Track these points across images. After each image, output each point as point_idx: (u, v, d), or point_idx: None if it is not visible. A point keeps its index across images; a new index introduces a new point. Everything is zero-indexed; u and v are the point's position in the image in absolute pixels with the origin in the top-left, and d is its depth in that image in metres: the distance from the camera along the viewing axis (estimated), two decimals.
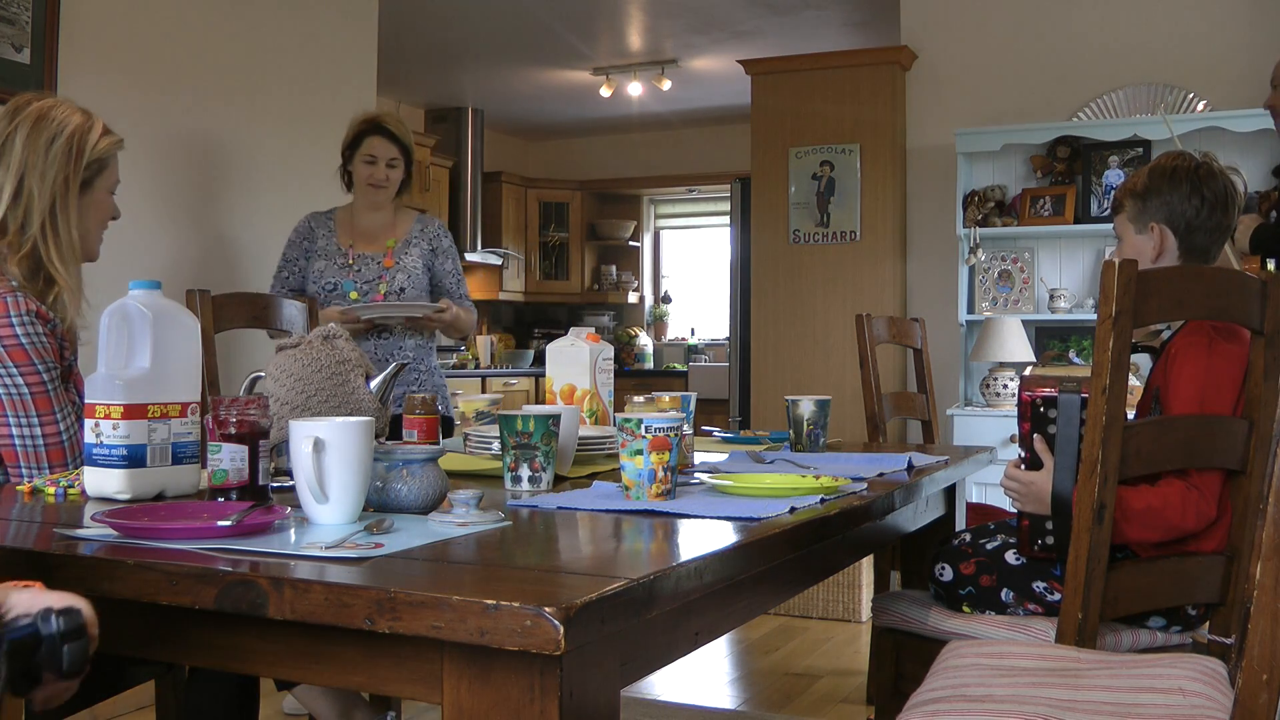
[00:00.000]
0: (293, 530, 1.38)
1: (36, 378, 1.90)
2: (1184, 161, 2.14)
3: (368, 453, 1.44)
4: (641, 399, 2.14)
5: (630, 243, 9.29)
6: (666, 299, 9.44)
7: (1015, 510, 2.09)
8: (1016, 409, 2.04)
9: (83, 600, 1.06)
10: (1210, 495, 1.92)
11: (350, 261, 3.49)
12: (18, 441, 1.90)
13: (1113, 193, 2.30)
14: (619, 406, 2.31)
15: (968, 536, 2.24)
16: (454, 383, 7.44)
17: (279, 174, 4.32)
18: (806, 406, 2.38)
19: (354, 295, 3.42)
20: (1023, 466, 2.02)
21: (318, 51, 4.51)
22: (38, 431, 1.91)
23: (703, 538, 1.42)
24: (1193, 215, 2.11)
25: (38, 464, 1.91)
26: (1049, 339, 5.11)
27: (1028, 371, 4.66)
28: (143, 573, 1.21)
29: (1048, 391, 1.97)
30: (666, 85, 7.23)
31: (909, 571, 2.67)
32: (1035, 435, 1.99)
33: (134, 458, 1.63)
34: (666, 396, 2.16)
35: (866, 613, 4.50)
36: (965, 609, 2.15)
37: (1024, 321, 4.89)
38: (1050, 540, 2.00)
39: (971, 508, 3.31)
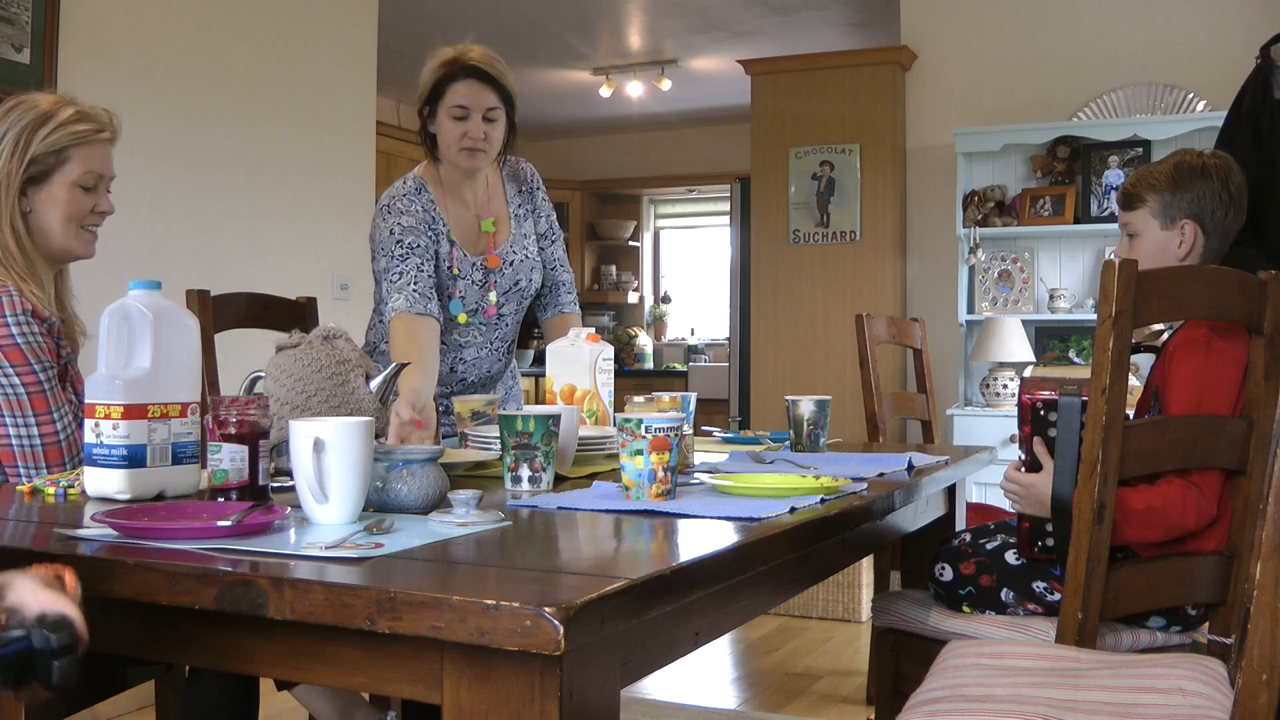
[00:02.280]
0: (293, 530, 1.38)
1: (33, 377, 1.90)
2: (1210, 158, 2.13)
3: (368, 453, 1.44)
4: (641, 399, 2.14)
5: (630, 243, 9.29)
6: (666, 299, 9.44)
7: (1015, 512, 2.09)
8: (1016, 411, 2.03)
9: (73, 608, 1.05)
10: (1210, 493, 1.92)
11: (454, 268, 2.59)
12: (14, 441, 1.90)
13: (1120, 187, 2.27)
14: (619, 406, 2.31)
15: (968, 536, 2.24)
16: None
17: (279, 174, 4.32)
18: (806, 406, 2.38)
19: (463, 319, 2.61)
20: (1023, 469, 2.01)
21: (318, 51, 4.51)
22: (35, 431, 1.90)
23: (703, 538, 1.42)
24: (1222, 215, 2.10)
25: (35, 464, 1.91)
26: (1049, 339, 5.11)
27: (1028, 372, 4.67)
28: (143, 573, 1.21)
29: (1048, 394, 1.96)
30: (666, 85, 7.23)
31: (909, 571, 2.67)
32: (1035, 438, 1.99)
33: (134, 458, 1.63)
34: (666, 396, 2.16)
35: (866, 613, 4.50)
36: (965, 609, 2.15)
37: (1024, 321, 4.90)
38: (1050, 542, 2.00)
39: (971, 508, 3.32)
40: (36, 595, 1.05)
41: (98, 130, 2.03)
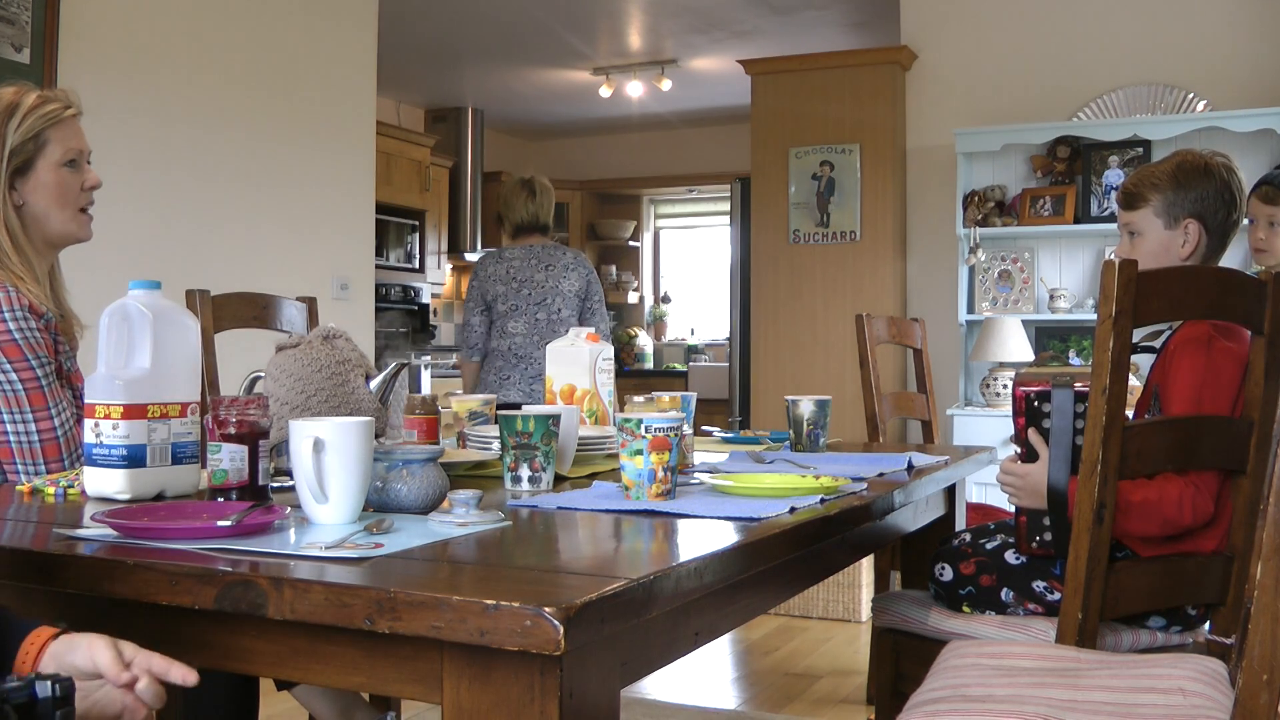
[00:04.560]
0: (293, 530, 1.38)
1: (30, 373, 1.90)
2: (1212, 158, 2.13)
3: (368, 453, 1.44)
4: (641, 399, 2.14)
5: (630, 243, 9.29)
6: (666, 299, 9.44)
7: (1011, 508, 2.09)
8: (1011, 405, 2.04)
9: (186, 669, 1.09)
10: (1207, 492, 1.92)
11: None
12: (12, 438, 1.90)
13: (1121, 186, 2.26)
14: (619, 406, 2.31)
15: (968, 536, 2.24)
16: (454, 383, 7.44)
17: (279, 174, 4.32)
18: (806, 406, 2.38)
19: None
20: (1019, 462, 2.02)
21: (318, 51, 4.51)
22: (33, 428, 1.90)
23: (703, 538, 1.42)
24: (1224, 215, 2.10)
25: (33, 460, 1.90)
26: (1049, 339, 5.11)
27: (1022, 371, 4.67)
28: (143, 573, 1.21)
29: (1041, 386, 1.97)
30: (666, 85, 7.23)
31: (909, 571, 2.67)
32: (1030, 429, 1.99)
33: (134, 458, 1.63)
34: (666, 396, 2.16)
35: (866, 613, 4.50)
36: (965, 609, 2.15)
37: (1024, 321, 4.90)
38: (1048, 536, 2.00)
39: (971, 508, 3.31)
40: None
41: (65, 108, 2.04)
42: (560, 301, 4.08)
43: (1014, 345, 4.73)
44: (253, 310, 2.93)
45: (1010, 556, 2.12)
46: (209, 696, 2.10)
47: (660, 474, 1.63)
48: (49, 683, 1.00)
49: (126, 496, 1.62)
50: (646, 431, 1.62)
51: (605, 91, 7.41)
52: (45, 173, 2.01)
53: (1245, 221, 2.87)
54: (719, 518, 1.53)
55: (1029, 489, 1.99)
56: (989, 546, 2.16)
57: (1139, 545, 1.98)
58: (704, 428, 2.95)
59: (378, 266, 5.60)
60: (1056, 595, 2.05)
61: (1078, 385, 1.93)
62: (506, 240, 4.28)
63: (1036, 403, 1.98)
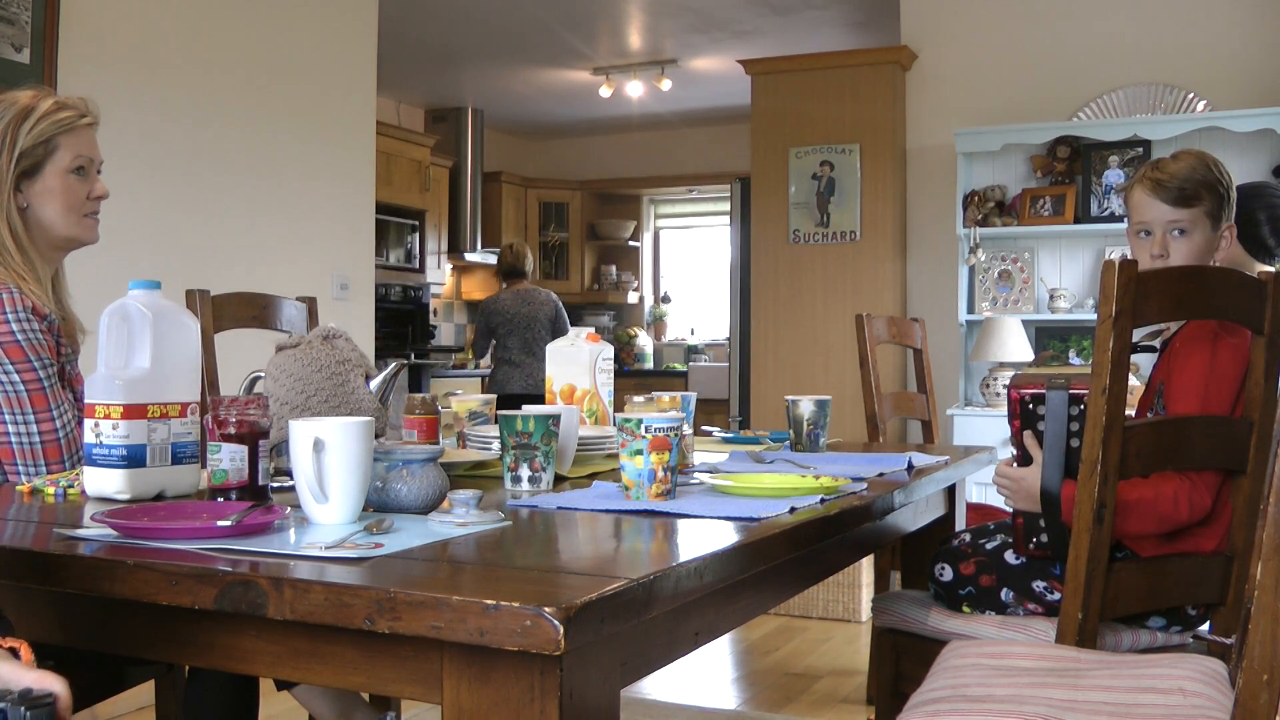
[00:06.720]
0: (292, 530, 1.38)
1: (33, 374, 1.90)
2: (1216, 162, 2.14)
3: (368, 453, 1.44)
4: (641, 399, 2.14)
5: (630, 243, 9.29)
6: (666, 299, 9.44)
7: (1009, 509, 2.09)
8: (1006, 407, 2.04)
9: (59, 682, 1.03)
10: (1204, 488, 1.92)
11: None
12: (14, 439, 1.90)
13: (1158, 181, 2.13)
14: (619, 406, 2.31)
15: (968, 536, 2.24)
16: (453, 383, 7.44)
17: (279, 174, 4.32)
18: (806, 406, 2.38)
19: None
20: (1014, 464, 2.02)
21: (318, 51, 4.51)
22: (34, 429, 1.90)
23: (703, 538, 1.42)
24: (1249, 225, 2.11)
25: (34, 461, 1.90)
26: (1049, 339, 5.11)
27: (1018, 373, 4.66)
28: (143, 573, 1.21)
29: (1036, 389, 1.97)
30: (666, 85, 7.23)
31: (909, 571, 2.67)
32: (1025, 432, 1.99)
33: (134, 458, 1.63)
34: (666, 396, 2.16)
35: (866, 613, 4.50)
36: (965, 609, 2.15)
37: (1024, 321, 4.90)
38: (1045, 538, 2.00)
39: (972, 508, 3.31)
40: (18, 672, 1.03)
41: (80, 116, 2.05)
42: (538, 326, 6.21)
43: (1014, 345, 4.73)
44: (253, 310, 2.92)
45: (1010, 556, 2.12)
46: (209, 696, 2.10)
47: (660, 474, 1.63)
48: (22, 708, 0.98)
49: (126, 496, 1.62)
50: (646, 431, 1.62)
51: (605, 91, 7.41)
52: (52, 178, 2.02)
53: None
54: (719, 518, 1.53)
55: (1023, 492, 2.00)
56: (989, 546, 2.16)
57: (1139, 545, 1.98)
58: (704, 428, 2.95)
59: (378, 266, 5.61)
60: (1056, 595, 2.05)
61: (1072, 387, 1.93)
62: (500, 280, 6.47)
63: (1031, 405, 1.98)
